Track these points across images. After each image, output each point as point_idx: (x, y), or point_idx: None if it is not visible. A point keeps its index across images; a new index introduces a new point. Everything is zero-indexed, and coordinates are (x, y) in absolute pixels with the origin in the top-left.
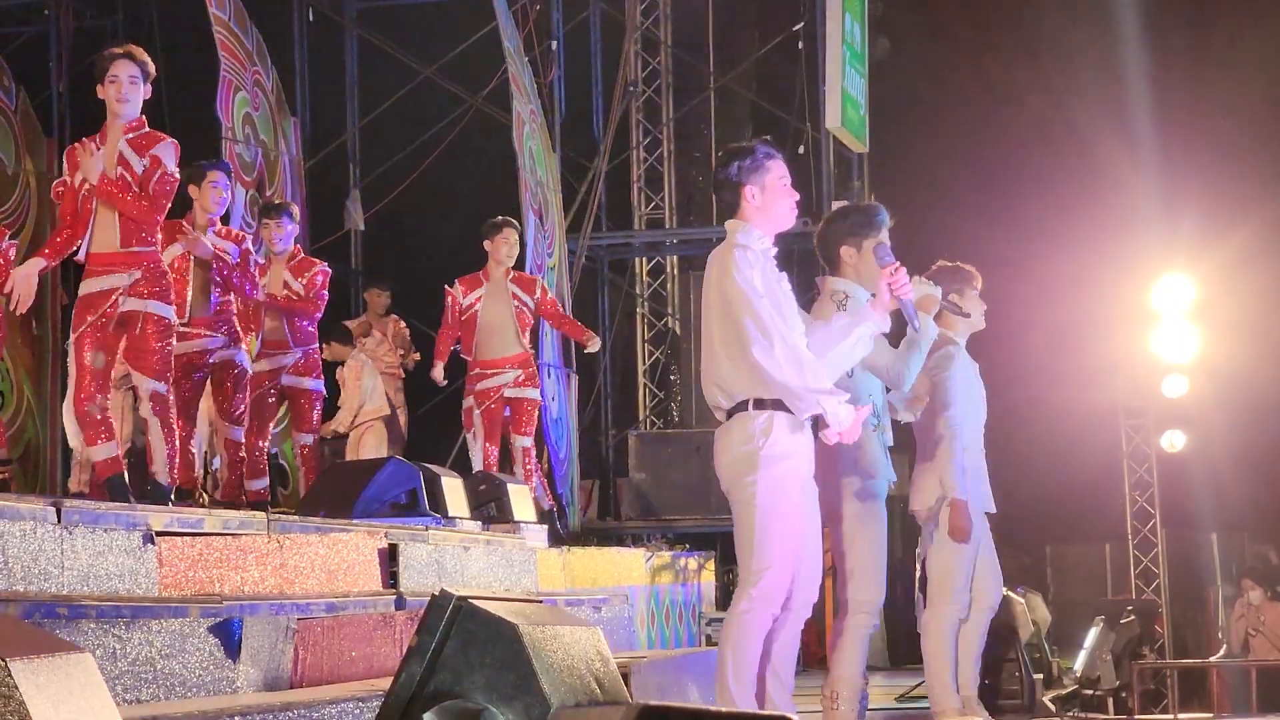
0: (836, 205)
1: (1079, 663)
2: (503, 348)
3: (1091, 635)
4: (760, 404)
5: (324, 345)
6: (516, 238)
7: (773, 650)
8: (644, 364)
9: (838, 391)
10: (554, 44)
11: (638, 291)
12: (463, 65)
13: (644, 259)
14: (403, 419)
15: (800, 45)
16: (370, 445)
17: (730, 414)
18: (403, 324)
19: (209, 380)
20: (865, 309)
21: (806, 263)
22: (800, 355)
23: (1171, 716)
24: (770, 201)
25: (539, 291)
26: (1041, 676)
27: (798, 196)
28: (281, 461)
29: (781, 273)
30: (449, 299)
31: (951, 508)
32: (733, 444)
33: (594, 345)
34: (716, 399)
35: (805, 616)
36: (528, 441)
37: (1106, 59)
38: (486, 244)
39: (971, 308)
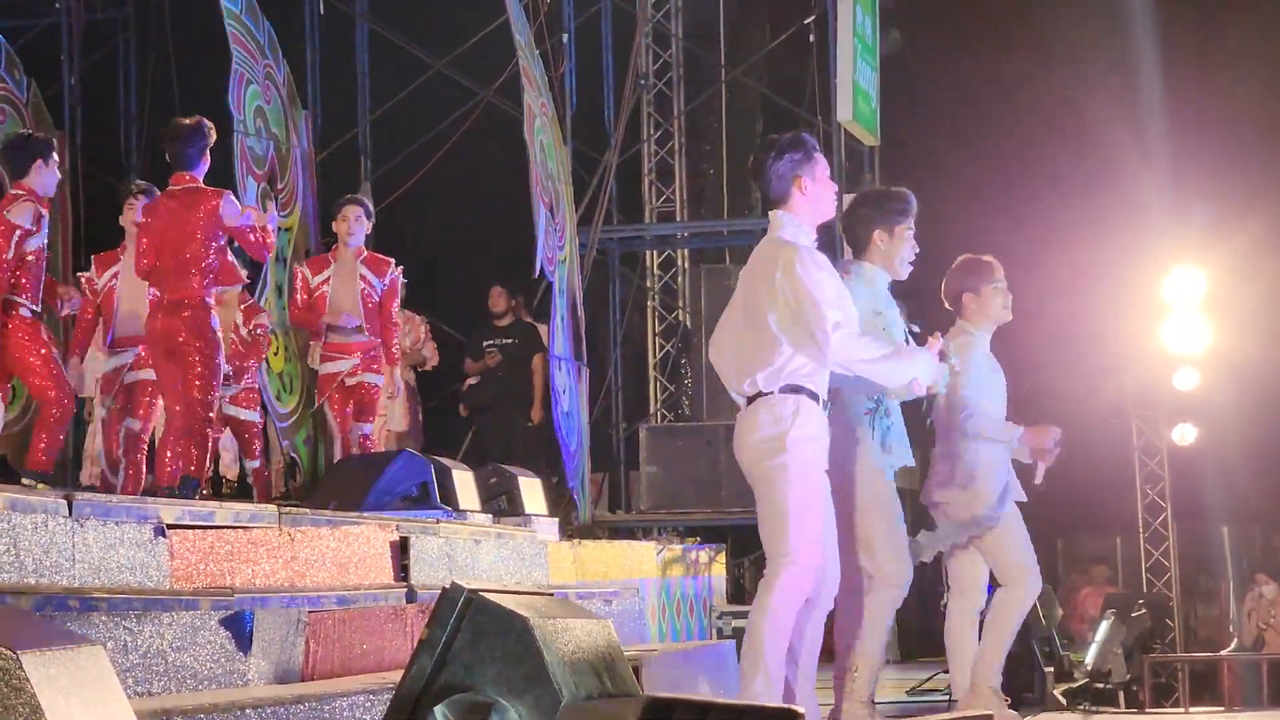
0: (861, 190)
1: (1090, 656)
2: (346, 332)
3: (1102, 628)
4: (787, 389)
5: None
6: (360, 214)
7: (794, 642)
8: (655, 357)
9: (907, 353)
10: (565, 37)
11: (649, 285)
12: (474, 58)
13: (655, 252)
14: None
15: (811, 38)
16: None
17: (751, 400)
18: (418, 319)
19: None
20: (921, 357)
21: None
22: (863, 338)
23: (1183, 710)
24: (820, 192)
25: (390, 276)
26: (1052, 670)
27: (836, 187)
28: (294, 454)
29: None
30: (298, 279)
31: (1028, 439)
32: (759, 426)
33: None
34: (742, 386)
35: (829, 608)
36: (368, 428)
37: (1117, 51)
38: (334, 224)
39: (991, 301)
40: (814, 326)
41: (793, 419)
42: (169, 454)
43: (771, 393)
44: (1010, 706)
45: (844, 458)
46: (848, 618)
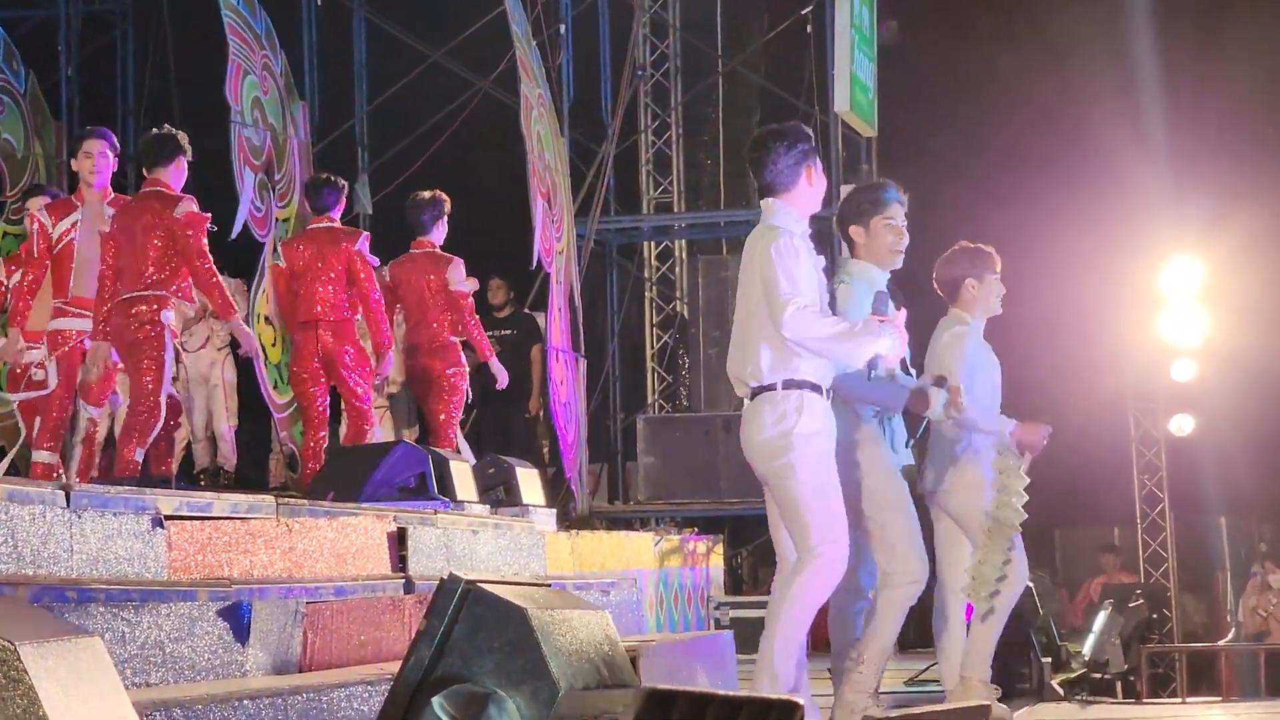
0: (847, 188)
1: (1087, 647)
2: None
3: (1100, 619)
4: (790, 384)
5: None
6: (103, 149)
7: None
8: (652, 348)
9: (866, 330)
10: (562, 27)
11: (646, 275)
12: (471, 49)
13: (652, 243)
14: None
15: (809, 29)
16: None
17: (755, 394)
18: None
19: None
20: (883, 332)
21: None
22: (821, 315)
23: (1180, 700)
24: (820, 184)
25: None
26: (1050, 660)
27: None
28: (291, 446)
29: (819, 256)
30: (34, 225)
31: (1017, 437)
32: (765, 424)
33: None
34: (744, 379)
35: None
36: (95, 412)
37: (1115, 42)
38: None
39: (991, 292)
40: (771, 303)
41: (797, 414)
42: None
43: (774, 388)
44: (1005, 696)
45: (858, 459)
46: (840, 614)
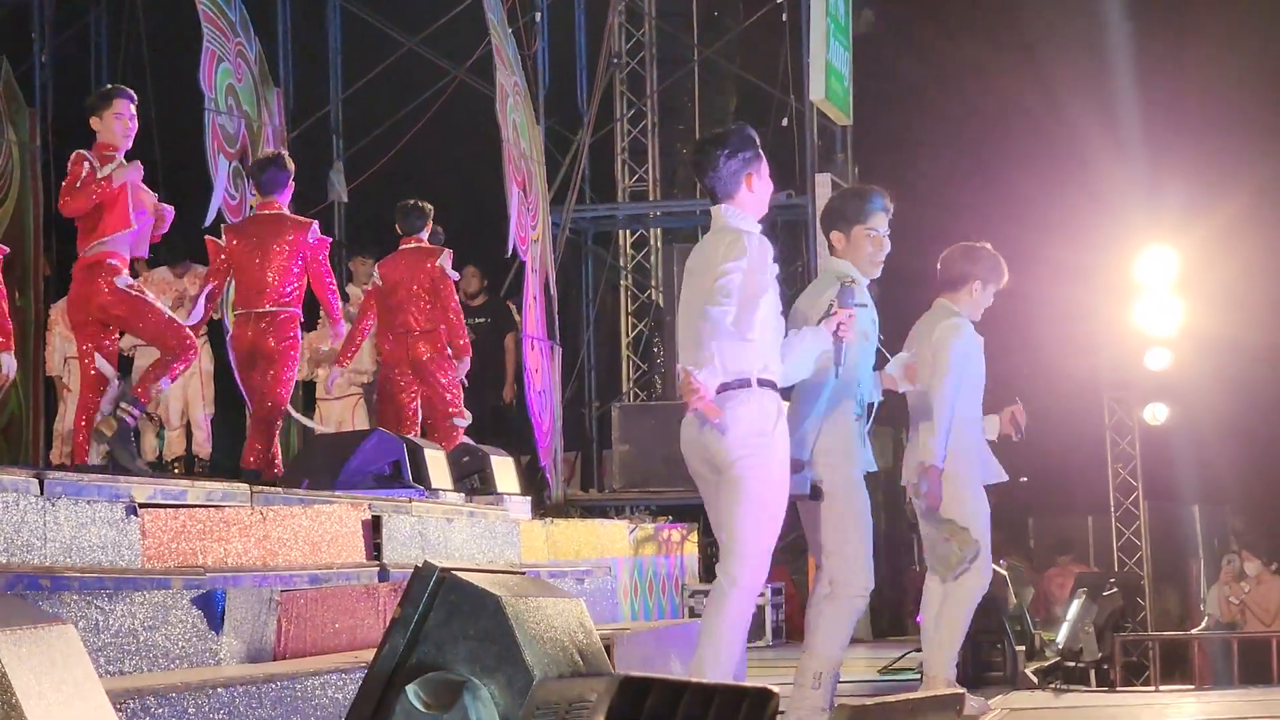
0: (822, 176)
1: (1061, 635)
2: None
3: (1074, 607)
4: (764, 383)
5: None
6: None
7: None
8: (627, 336)
9: (801, 338)
10: (538, 16)
11: (621, 264)
12: (446, 37)
13: (627, 232)
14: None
15: (784, 17)
16: (358, 419)
17: (733, 386)
18: None
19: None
20: (820, 329)
21: (789, 235)
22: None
23: (1153, 688)
24: (764, 190)
25: None
26: (1024, 649)
27: (773, 186)
28: None
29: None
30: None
31: (925, 474)
32: (741, 419)
33: None
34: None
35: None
36: None
37: (1089, 31)
38: None
39: (987, 299)
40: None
41: (779, 417)
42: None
43: (748, 385)
44: (978, 684)
45: (829, 465)
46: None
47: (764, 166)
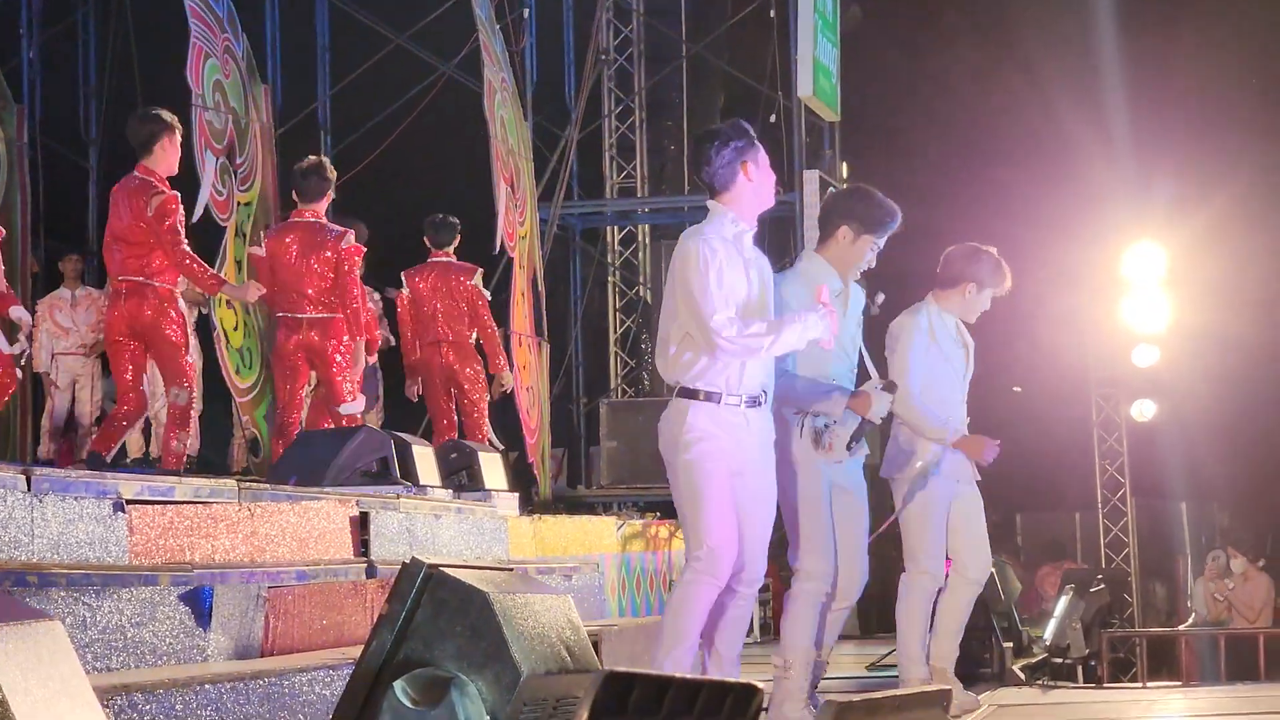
0: (860, 185)
1: (1048, 631)
2: None
3: (1061, 604)
4: (683, 392)
5: None
6: None
7: (718, 627)
8: (615, 332)
9: (791, 320)
10: (526, 11)
11: (609, 260)
12: (434, 33)
13: (615, 228)
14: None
15: (772, 14)
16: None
17: (683, 394)
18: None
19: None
20: (809, 318)
21: (777, 231)
22: (738, 323)
23: (1140, 685)
24: (763, 180)
25: None
26: (1011, 645)
27: (775, 178)
28: (254, 429)
29: (760, 255)
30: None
31: (960, 445)
32: (666, 424)
33: None
34: (666, 377)
35: (753, 596)
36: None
37: (1078, 28)
38: None
39: (980, 302)
40: (698, 320)
41: (681, 420)
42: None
43: (695, 395)
44: (966, 681)
45: (782, 454)
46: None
47: (761, 156)
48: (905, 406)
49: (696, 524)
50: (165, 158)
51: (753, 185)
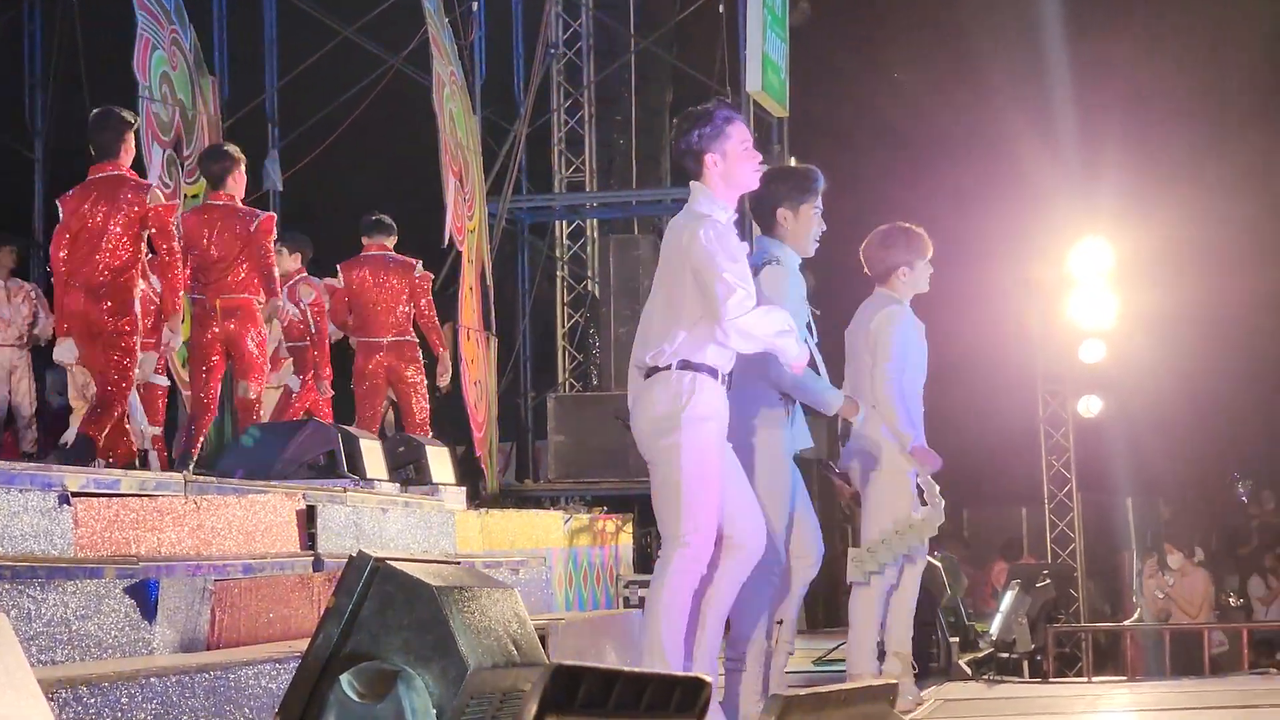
0: (769, 166)
1: (995, 626)
2: None
3: (1007, 599)
4: (685, 365)
5: None
6: None
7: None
8: (563, 327)
9: (792, 329)
10: (475, 5)
11: (558, 255)
12: (383, 26)
13: (564, 222)
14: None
15: (721, 9)
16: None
17: (650, 374)
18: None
19: None
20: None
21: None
22: (759, 309)
23: (1086, 679)
24: (732, 167)
25: None
26: (958, 640)
27: (760, 158)
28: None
29: (743, 243)
30: None
31: (913, 455)
32: (654, 403)
33: None
34: (643, 358)
35: (753, 562)
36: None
37: (1025, 27)
38: None
39: (923, 276)
40: (712, 296)
41: (688, 396)
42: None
43: (669, 368)
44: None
45: (755, 443)
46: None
47: (730, 143)
48: (885, 387)
49: (689, 511)
50: (238, 188)
51: (719, 173)
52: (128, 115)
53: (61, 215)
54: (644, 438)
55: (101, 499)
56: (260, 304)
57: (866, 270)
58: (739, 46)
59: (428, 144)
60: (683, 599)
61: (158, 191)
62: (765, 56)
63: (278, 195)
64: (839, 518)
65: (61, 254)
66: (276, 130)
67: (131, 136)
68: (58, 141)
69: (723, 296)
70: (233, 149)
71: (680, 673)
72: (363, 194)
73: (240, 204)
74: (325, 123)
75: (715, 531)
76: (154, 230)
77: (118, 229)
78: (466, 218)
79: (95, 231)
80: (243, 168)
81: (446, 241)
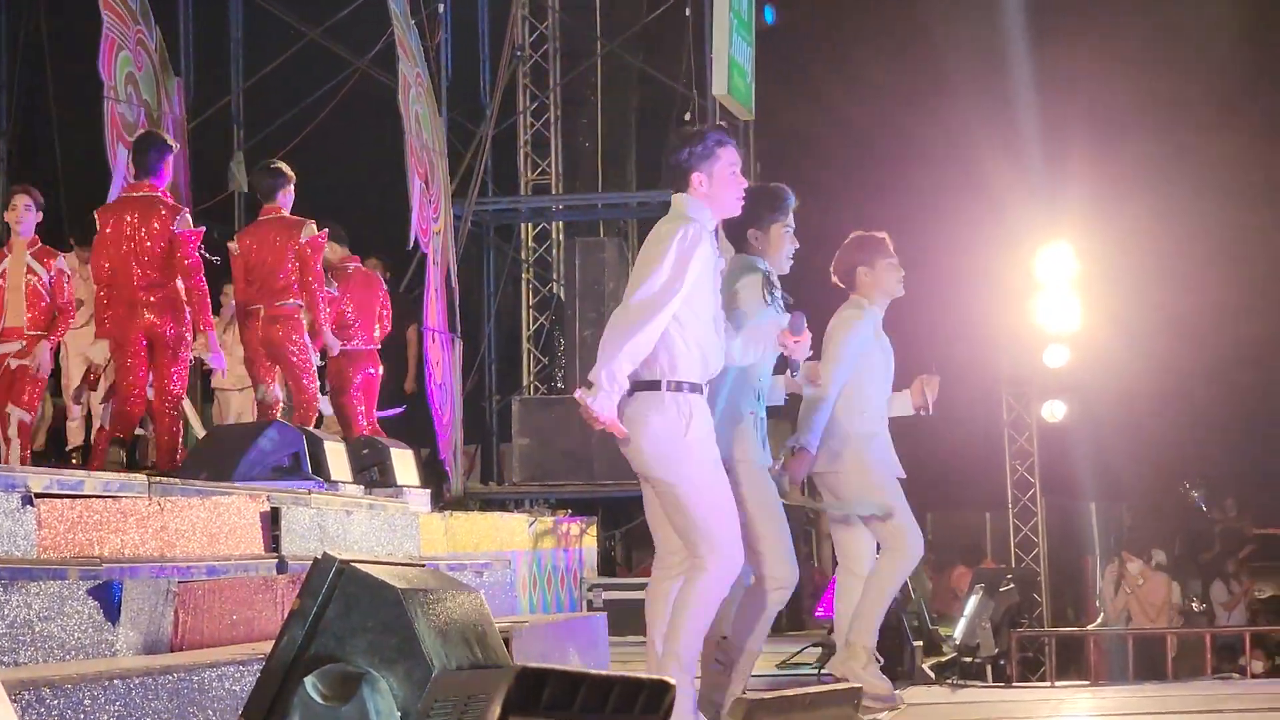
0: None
1: (958, 630)
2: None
3: (971, 603)
4: (679, 385)
5: None
6: (29, 204)
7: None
8: (528, 329)
9: (622, 388)
10: (441, 7)
11: (523, 257)
12: (349, 27)
13: (529, 224)
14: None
15: (688, 12)
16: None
17: (641, 388)
18: None
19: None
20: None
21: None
22: (641, 338)
23: (1049, 684)
24: (717, 189)
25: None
26: (921, 644)
27: (745, 184)
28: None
29: (718, 255)
30: None
31: (798, 455)
32: (652, 425)
33: None
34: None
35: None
36: (25, 415)
37: (990, 33)
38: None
39: (886, 276)
40: (637, 280)
41: (686, 420)
42: None
43: (660, 387)
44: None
45: (734, 457)
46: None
47: (718, 165)
48: (825, 385)
49: (713, 529)
50: (287, 201)
51: (703, 193)
52: (169, 139)
53: (99, 226)
54: (644, 458)
55: (65, 500)
56: (303, 312)
57: (835, 280)
58: (705, 50)
59: (393, 146)
60: (705, 617)
61: (187, 216)
62: (731, 60)
63: (243, 196)
64: (802, 520)
65: (105, 264)
66: (242, 132)
67: (171, 160)
68: (22, 141)
69: (645, 289)
70: (283, 166)
71: (646, 675)
72: (328, 196)
73: (288, 215)
74: (291, 124)
75: (737, 544)
76: (178, 254)
77: (153, 245)
78: (432, 220)
79: (133, 246)
80: (292, 186)
81: (412, 243)
